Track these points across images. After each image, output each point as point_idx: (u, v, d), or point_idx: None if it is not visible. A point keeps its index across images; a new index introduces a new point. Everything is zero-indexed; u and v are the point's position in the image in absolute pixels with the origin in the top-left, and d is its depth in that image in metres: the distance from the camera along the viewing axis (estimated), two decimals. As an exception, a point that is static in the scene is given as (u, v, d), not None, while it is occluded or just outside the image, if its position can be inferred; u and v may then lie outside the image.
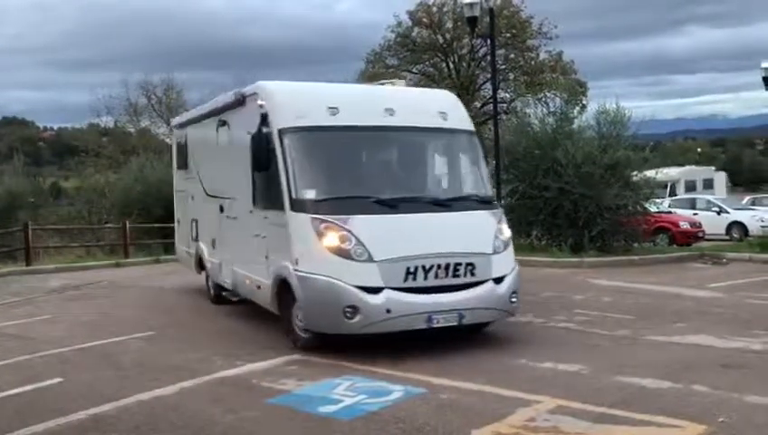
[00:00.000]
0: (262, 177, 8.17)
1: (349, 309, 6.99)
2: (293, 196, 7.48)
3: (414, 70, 37.80)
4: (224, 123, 9.86)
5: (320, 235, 7.20)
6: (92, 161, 35.55)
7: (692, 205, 26.02)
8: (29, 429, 5.38)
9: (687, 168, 36.88)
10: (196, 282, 12.00)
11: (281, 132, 7.74)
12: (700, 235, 21.58)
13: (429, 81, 35.90)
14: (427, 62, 38.26)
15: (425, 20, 36.67)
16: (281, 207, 7.59)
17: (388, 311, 7.01)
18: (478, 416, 5.38)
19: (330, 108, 7.91)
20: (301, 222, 7.37)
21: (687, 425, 5.11)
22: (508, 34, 35.41)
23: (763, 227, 22.68)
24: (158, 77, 41.35)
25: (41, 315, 10.52)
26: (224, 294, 10.33)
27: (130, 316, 10.17)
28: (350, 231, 7.16)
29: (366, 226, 7.23)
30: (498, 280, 7.56)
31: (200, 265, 11.40)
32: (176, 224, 13.51)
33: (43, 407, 5.93)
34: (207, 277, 11.16)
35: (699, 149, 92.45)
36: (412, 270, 7.13)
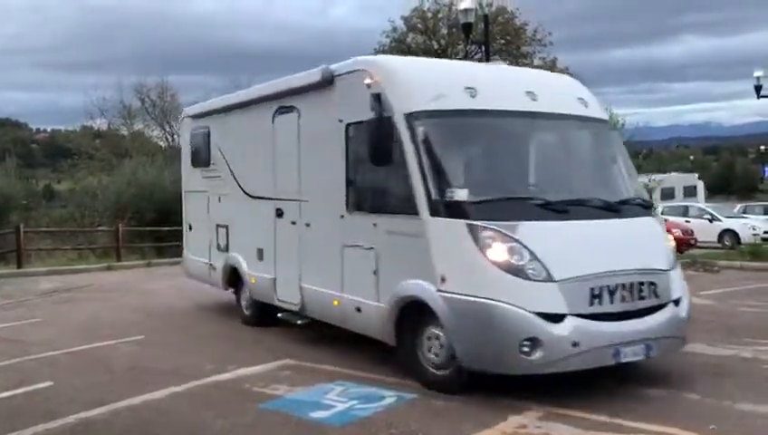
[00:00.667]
0: (367, 174, 6.83)
1: (527, 343, 5.56)
2: (434, 196, 6.04)
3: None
4: (288, 110, 8.21)
5: (482, 246, 5.77)
6: (85, 164, 35.44)
7: (684, 212, 26.15)
8: (18, 433, 5.34)
9: (665, 175, 37.02)
10: (188, 286, 11.95)
11: (410, 118, 6.28)
12: (692, 242, 21.67)
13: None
14: (421, 68, 38.29)
15: (419, 26, 36.79)
16: (409, 211, 6.20)
17: (575, 344, 5.62)
18: (470, 422, 5.37)
19: (467, 88, 6.52)
20: (449, 230, 5.94)
21: (678, 432, 5.11)
22: (503, 41, 35.51)
23: (754, 235, 22.79)
24: (152, 80, 41.29)
25: (32, 318, 10.46)
26: (280, 316, 8.42)
27: (122, 320, 10.12)
28: (519, 241, 5.78)
29: (537, 235, 5.87)
30: (677, 302, 6.35)
31: (231, 280, 9.76)
32: (185, 230, 11.43)
33: (33, 411, 5.88)
34: (241, 295, 9.59)
35: (692, 157, 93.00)
36: (597, 292, 5.80)
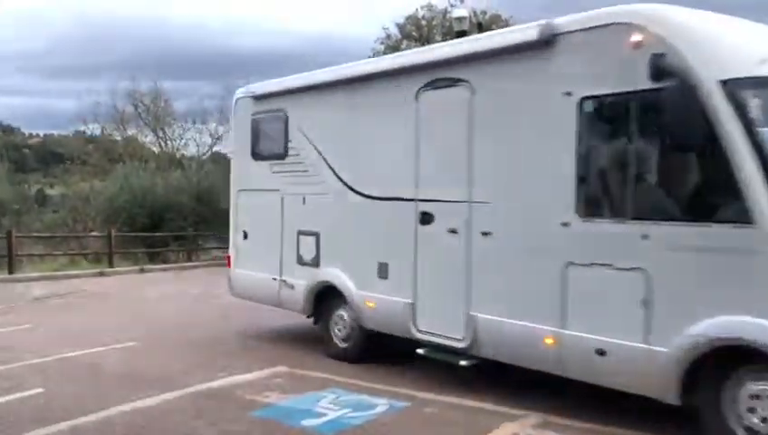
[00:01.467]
0: (626, 164, 5.24)
1: None
2: None
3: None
4: (449, 83, 6.51)
5: None
6: (78, 169, 35.37)
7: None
8: (8, 440, 5.32)
9: None
10: (181, 292, 11.93)
11: (730, 87, 4.70)
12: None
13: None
14: (415, 75, 38.35)
15: (414, 33, 36.93)
16: (729, 218, 4.66)
17: None
18: (462, 430, 5.37)
19: None
20: None
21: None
22: (497, 49, 35.68)
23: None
24: (146, 85, 41.26)
25: (23, 324, 10.40)
26: (421, 352, 6.75)
27: (113, 326, 10.08)
28: None
29: None
30: None
31: (321, 303, 8.02)
32: (236, 239, 9.34)
33: (23, 418, 5.84)
34: (332, 321, 7.87)
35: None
36: None
